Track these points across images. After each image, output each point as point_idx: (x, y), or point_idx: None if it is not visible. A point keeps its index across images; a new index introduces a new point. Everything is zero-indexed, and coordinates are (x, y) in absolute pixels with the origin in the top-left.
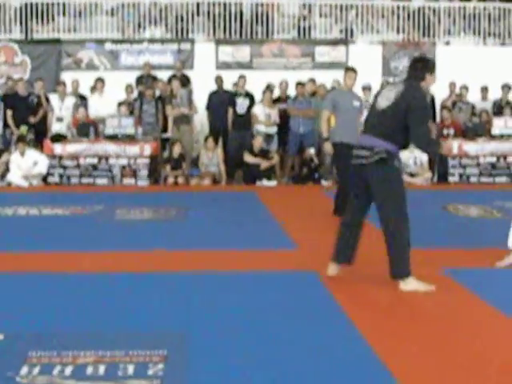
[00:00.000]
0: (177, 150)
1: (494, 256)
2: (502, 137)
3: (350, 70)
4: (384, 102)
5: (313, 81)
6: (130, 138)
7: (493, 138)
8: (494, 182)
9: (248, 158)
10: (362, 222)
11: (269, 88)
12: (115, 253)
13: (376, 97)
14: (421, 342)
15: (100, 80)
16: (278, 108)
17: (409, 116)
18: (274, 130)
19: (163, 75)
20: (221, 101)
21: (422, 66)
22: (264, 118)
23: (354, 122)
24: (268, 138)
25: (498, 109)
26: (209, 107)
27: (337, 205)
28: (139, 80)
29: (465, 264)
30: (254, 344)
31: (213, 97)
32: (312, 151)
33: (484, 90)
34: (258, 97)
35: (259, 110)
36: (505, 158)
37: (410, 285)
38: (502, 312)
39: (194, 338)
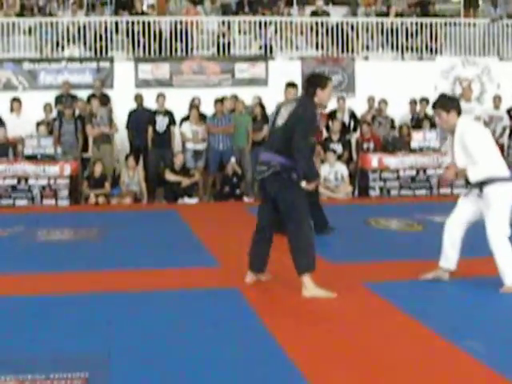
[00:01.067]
0: (98, 170)
1: (416, 268)
2: (421, 150)
3: (289, 85)
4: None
5: (235, 97)
6: (50, 158)
7: (412, 151)
8: (414, 195)
9: (169, 176)
10: (271, 232)
11: (195, 105)
12: (35, 274)
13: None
14: (342, 355)
15: (17, 100)
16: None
17: (295, 129)
18: (202, 146)
19: (82, 94)
20: (141, 119)
21: (313, 82)
22: (191, 135)
23: None
24: (196, 154)
25: (417, 122)
26: (129, 126)
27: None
28: (58, 99)
29: (386, 277)
30: (176, 364)
31: (132, 115)
32: (233, 160)
33: (413, 102)
34: (177, 114)
35: (186, 128)
36: (424, 170)
37: (311, 291)
38: (423, 324)
39: (116, 359)
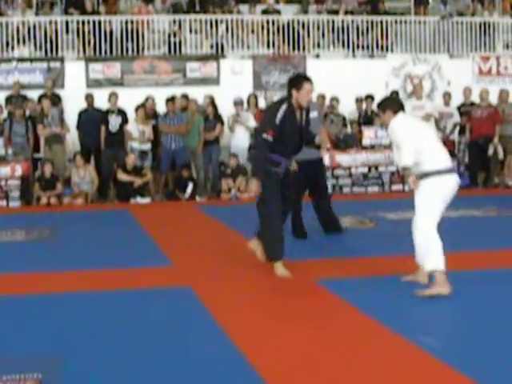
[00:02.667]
0: (47, 170)
1: (368, 265)
2: (372, 147)
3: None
4: None
5: (185, 96)
6: (1, 159)
7: (364, 148)
8: (366, 192)
9: (121, 176)
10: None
11: (142, 105)
12: None
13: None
14: (296, 352)
15: None
16: (152, 124)
17: None
18: (148, 146)
19: (33, 94)
20: (91, 119)
21: (290, 84)
22: (138, 134)
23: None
24: (142, 154)
25: (365, 119)
26: (79, 126)
27: (294, 224)
28: (8, 100)
29: (339, 274)
30: (128, 364)
31: (83, 115)
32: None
33: (359, 100)
34: (130, 114)
35: (133, 127)
36: (376, 167)
37: (277, 270)
38: (376, 321)
39: (70, 360)
